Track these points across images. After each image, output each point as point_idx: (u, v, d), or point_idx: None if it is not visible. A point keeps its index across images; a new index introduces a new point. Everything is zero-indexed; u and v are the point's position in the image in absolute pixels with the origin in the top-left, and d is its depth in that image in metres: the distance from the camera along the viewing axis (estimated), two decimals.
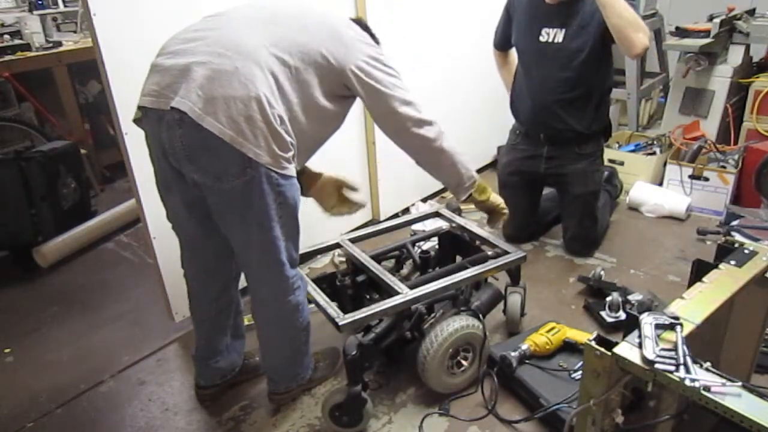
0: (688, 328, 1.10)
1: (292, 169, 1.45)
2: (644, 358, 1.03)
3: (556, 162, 2.50)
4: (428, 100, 2.98)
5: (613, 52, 2.40)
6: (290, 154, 1.43)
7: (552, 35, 2.33)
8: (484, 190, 1.87)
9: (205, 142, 1.33)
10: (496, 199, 1.90)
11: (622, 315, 2.08)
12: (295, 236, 1.58)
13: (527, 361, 1.79)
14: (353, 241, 2.05)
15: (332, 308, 1.67)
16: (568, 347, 1.85)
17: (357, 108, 2.64)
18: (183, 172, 1.44)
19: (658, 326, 1.09)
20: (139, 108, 1.44)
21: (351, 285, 1.93)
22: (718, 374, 1.00)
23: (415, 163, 1.73)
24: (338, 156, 2.62)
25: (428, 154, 1.68)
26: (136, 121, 1.49)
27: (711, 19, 3.21)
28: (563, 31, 2.30)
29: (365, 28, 1.70)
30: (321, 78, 1.48)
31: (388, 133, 1.66)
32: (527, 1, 2.42)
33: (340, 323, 1.60)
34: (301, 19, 1.50)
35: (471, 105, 3.30)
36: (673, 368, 1.00)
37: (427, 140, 1.64)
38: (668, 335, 1.08)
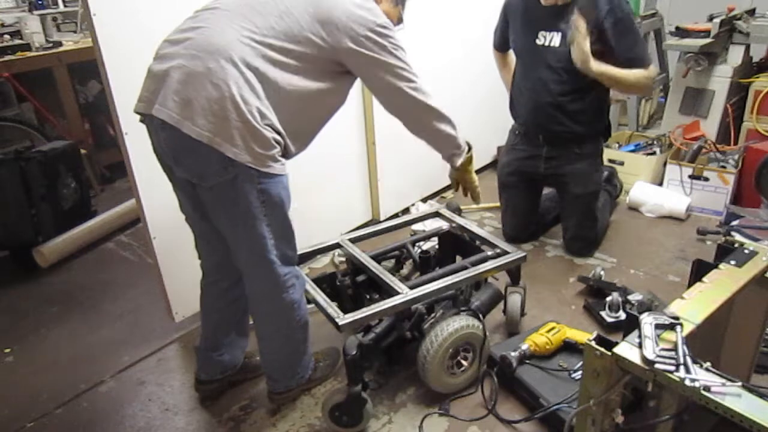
0: (688, 328, 1.10)
1: (277, 167, 1.44)
2: (644, 358, 1.03)
3: (556, 162, 2.50)
4: None
5: None
6: (274, 151, 1.42)
7: (549, 38, 2.33)
8: (471, 161, 1.90)
9: (186, 144, 1.35)
10: (475, 178, 1.96)
11: (622, 315, 2.08)
12: (287, 234, 1.57)
13: (527, 361, 1.79)
14: (353, 241, 2.05)
15: (332, 308, 1.67)
16: (568, 347, 1.85)
17: (357, 108, 2.67)
18: (174, 172, 1.48)
19: (658, 326, 1.09)
20: (136, 113, 1.47)
21: (351, 285, 1.93)
22: (718, 374, 1.00)
23: (409, 130, 1.75)
24: (338, 156, 2.63)
25: (420, 115, 1.70)
26: (142, 121, 1.51)
27: (711, 19, 3.21)
28: (560, 34, 2.30)
29: None
30: (312, 60, 1.46)
31: (384, 101, 1.66)
32: (522, 5, 2.42)
33: (340, 323, 1.60)
34: (285, 2, 1.44)
35: (471, 105, 3.29)
36: (673, 368, 1.00)
37: (420, 103, 1.65)
38: (668, 335, 1.09)
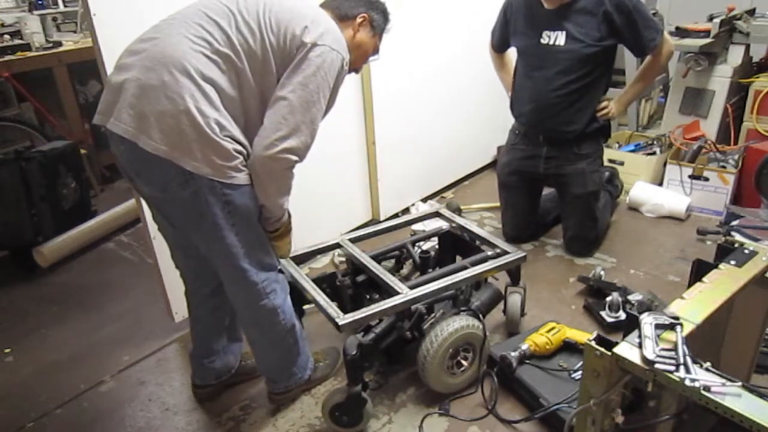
0: (688, 328, 1.10)
1: (240, 177, 1.40)
2: (644, 358, 1.03)
3: (555, 162, 2.50)
4: (428, 100, 3.02)
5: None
6: (236, 162, 1.39)
7: (553, 38, 2.33)
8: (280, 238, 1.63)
9: (145, 158, 1.33)
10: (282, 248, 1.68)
11: (622, 315, 2.08)
12: (260, 241, 1.55)
13: (527, 361, 1.79)
14: (353, 241, 2.05)
15: (332, 308, 1.67)
16: (568, 347, 1.85)
17: (357, 108, 2.67)
18: (137, 184, 1.47)
19: (658, 326, 1.09)
20: (94, 124, 1.43)
21: (351, 285, 1.93)
22: (718, 374, 1.00)
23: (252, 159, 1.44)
24: (338, 156, 2.63)
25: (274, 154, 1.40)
26: (104, 132, 1.46)
27: (711, 19, 3.21)
28: (564, 33, 2.30)
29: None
30: (269, 72, 1.42)
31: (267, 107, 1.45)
32: (524, 4, 2.42)
33: (340, 323, 1.60)
34: (245, 12, 1.40)
35: (470, 105, 3.30)
36: (673, 368, 1.00)
37: (281, 148, 1.39)
38: (668, 335, 1.08)
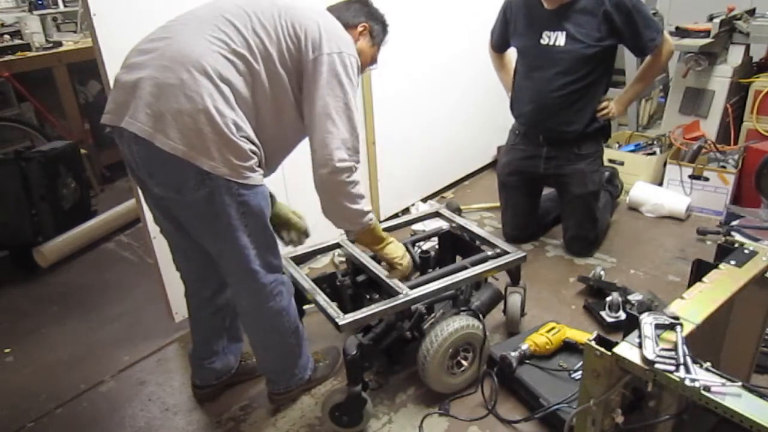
0: (688, 328, 1.10)
1: (255, 178, 1.42)
2: (644, 358, 1.03)
3: (555, 162, 2.50)
4: (427, 100, 3.02)
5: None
6: (251, 162, 1.40)
7: (553, 38, 2.33)
8: (380, 240, 1.72)
9: (161, 158, 1.32)
10: (394, 250, 1.76)
11: (622, 315, 2.08)
12: (269, 243, 1.56)
13: (527, 361, 1.79)
14: (353, 241, 2.05)
15: (332, 308, 1.67)
16: (568, 347, 1.85)
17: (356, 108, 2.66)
18: (148, 186, 1.46)
19: (658, 326, 1.09)
20: (102, 124, 1.43)
21: (351, 285, 1.93)
22: (718, 374, 1.00)
23: (314, 182, 1.52)
24: None
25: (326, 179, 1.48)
26: (110, 133, 1.46)
27: (711, 19, 3.21)
28: (564, 34, 2.30)
29: (364, 5, 1.66)
30: (282, 76, 1.43)
31: (308, 131, 1.50)
32: (524, 5, 2.42)
33: (340, 323, 1.60)
34: (260, 14, 1.41)
35: (470, 105, 3.30)
36: (673, 368, 1.00)
37: (331, 155, 1.45)
38: (668, 335, 1.08)
